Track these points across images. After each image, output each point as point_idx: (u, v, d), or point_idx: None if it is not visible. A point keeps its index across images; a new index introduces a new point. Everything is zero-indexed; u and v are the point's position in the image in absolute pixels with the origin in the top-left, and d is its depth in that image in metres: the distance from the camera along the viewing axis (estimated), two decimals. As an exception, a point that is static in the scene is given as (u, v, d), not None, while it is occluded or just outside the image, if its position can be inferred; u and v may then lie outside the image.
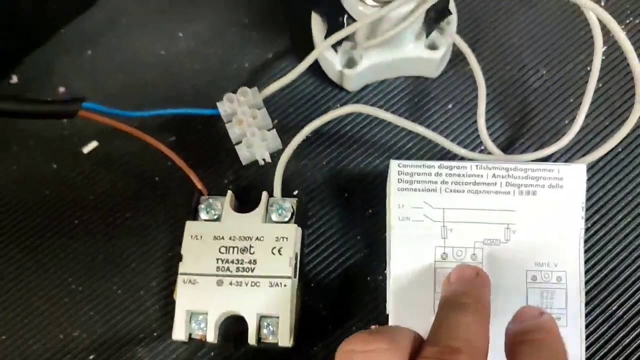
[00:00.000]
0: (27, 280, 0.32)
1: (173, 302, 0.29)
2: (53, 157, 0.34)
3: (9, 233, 0.33)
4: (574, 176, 0.29)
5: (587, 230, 0.31)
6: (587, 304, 0.30)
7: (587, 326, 0.30)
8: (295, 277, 0.29)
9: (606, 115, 0.34)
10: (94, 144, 0.34)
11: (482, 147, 0.33)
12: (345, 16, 0.32)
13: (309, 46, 0.34)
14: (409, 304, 0.29)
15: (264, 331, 0.28)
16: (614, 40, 0.29)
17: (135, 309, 0.31)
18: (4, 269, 0.32)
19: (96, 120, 0.29)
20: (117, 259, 0.32)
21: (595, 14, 0.29)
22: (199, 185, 0.30)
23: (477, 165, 0.30)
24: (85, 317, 0.31)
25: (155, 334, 0.31)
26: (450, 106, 0.34)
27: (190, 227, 0.29)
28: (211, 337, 0.28)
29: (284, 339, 0.28)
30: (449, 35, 0.33)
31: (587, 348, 0.29)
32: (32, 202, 0.33)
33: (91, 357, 0.30)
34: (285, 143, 0.32)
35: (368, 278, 0.31)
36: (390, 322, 0.28)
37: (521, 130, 0.34)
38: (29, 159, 0.34)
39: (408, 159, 0.33)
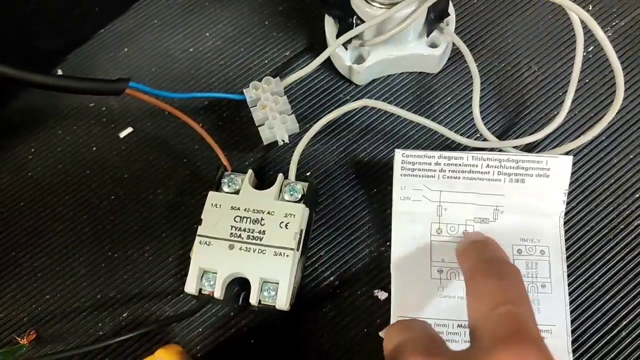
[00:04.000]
0: (70, 248, 0.36)
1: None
2: (93, 140, 0.38)
3: (53, 207, 0.37)
4: (560, 167, 0.32)
5: (573, 207, 0.34)
6: (571, 274, 0.33)
7: (571, 293, 0.33)
8: (297, 250, 0.31)
9: (591, 106, 0.37)
10: (129, 130, 0.38)
11: (479, 135, 0.36)
12: (355, 17, 0.35)
13: (322, 45, 0.37)
14: (408, 270, 0.32)
15: (265, 294, 0.31)
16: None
17: (165, 273, 0.35)
18: (49, 240, 0.36)
19: (140, 98, 0.32)
20: (149, 230, 0.36)
21: (577, 15, 0.32)
22: (224, 162, 0.34)
23: (473, 156, 0.32)
24: (119, 280, 0.35)
25: (179, 292, 0.34)
26: (449, 99, 0.38)
27: (212, 196, 0.33)
28: (218, 293, 0.31)
29: (281, 303, 0.30)
30: (448, 34, 0.37)
31: (572, 312, 0.32)
32: (74, 180, 0.37)
33: (124, 314, 0.34)
34: (301, 129, 0.36)
35: (372, 248, 0.34)
36: (392, 286, 0.32)
37: (514, 120, 0.37)
38: (72, 142, 0.38)
39: (411, 145, 0.37)
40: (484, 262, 0.27)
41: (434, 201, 0.33)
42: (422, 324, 0.26)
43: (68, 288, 0.35)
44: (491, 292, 0.25)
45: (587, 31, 0.32)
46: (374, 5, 0.34)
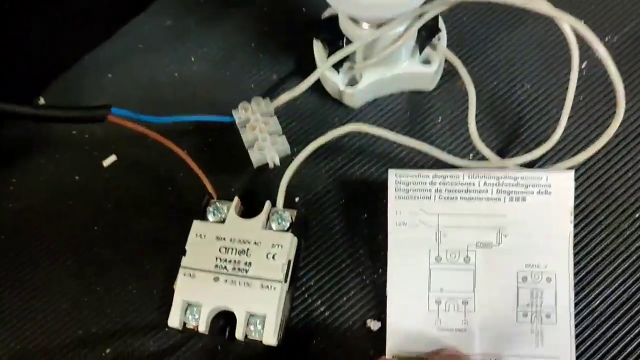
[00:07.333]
0: (51, 282, 0.34)
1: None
2: (76, 170, 0.37)
3: (35, 239, 0.36)
4: (562, 183, 0.31)
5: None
6: (576, 303, 0.31)
7: (577, 325, 0.31)
8: (285, 282, 0.30)
9: (589, 123, 0.35)
10: (112, 158, 0.37)
11: (472, 155, 0.35)
12: (345, 39, 0.35)
13: (312, 68, 0.36)
14: (404, 301, 0.31)
15: (251, 328, 0.29)
16: (594, 55, 0.30)
17: (148, 306, 0.33)
18: (30, 273, 0.35)
19: (122, 125, 0.31)
20: (133, 261, 0.34)
21: (572, 26, 0.31)
22: (210, 189, 0.33)
23: (469, 174, 0.31)
24: (102, 315, 0.33)
25: (164, 326, 0.32)
26: (442, 117, 0.37)
27: (196, 226, 0.32)
28: (203, 327, 0.30)
29: (269, 337, 0.29)
30: (441, 50, 0.36)
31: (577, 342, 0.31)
32: (56, 211, 0.36)
33: (107, 350, 0.33)
34: (291, 152, 0.35)
35: (364, 276, 0.33)
36: (388, 318, 0.31)
37: (508, 139, 0.36)
38: (54, 172, 0.37)
39: (404, 168, 0.35)
40: None
41: (432, 226, 0.32)
42: None
43: (49, 324, 0.33)
44: None
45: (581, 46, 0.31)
46: (361, 27, 0.33)
